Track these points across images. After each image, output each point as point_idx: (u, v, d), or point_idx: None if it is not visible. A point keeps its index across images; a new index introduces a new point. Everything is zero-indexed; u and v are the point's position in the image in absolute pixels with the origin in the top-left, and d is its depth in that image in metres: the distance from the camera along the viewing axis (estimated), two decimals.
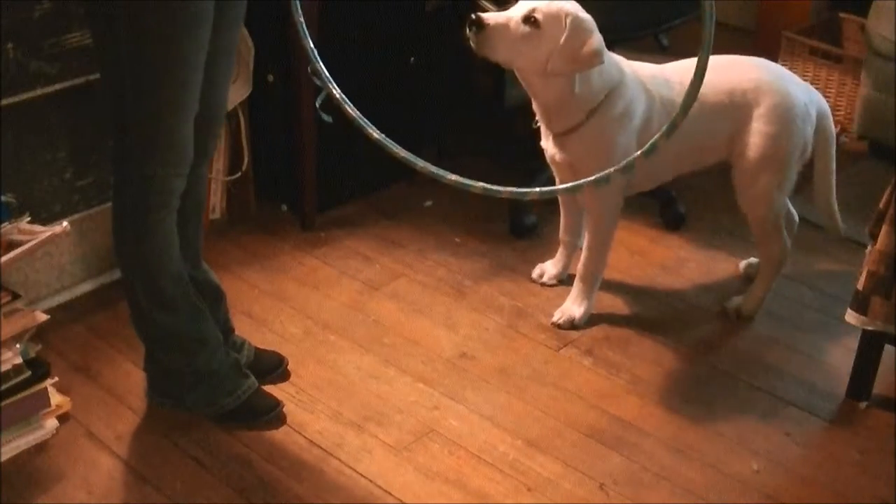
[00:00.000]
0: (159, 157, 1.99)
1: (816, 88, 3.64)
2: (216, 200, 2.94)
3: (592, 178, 1.98)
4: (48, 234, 2.16)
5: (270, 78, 2.87)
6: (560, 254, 2.79)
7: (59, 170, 2.53)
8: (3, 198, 2.28)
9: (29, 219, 2.22)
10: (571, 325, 2.61)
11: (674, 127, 1.84)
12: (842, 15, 3.78)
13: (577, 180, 2.45)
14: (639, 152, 1.92)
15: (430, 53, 3.20)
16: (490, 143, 3.51)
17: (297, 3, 1.96)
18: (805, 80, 3.64)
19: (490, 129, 3.59)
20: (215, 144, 2.23)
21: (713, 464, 2.19)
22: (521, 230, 3.01)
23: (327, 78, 1.99)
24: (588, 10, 2.41)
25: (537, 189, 2.06)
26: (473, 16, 2.30)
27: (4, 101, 2.33)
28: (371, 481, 2.13)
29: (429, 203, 3.16)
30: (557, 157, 2.49)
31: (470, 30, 2.31)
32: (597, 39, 2.32)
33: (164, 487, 2.10)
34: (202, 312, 2.21)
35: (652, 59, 2.60)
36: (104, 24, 1.91)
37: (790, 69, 3.68)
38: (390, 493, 2.10)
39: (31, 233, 2.24)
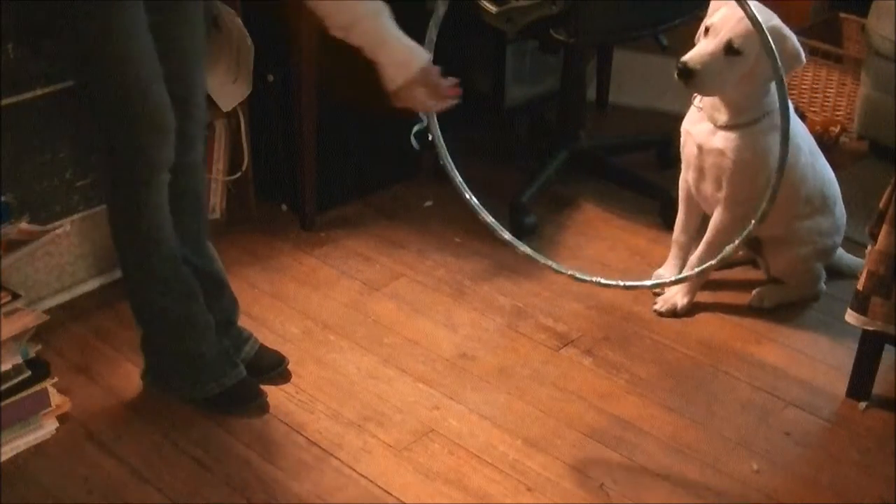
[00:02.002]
0: (137, 126, 1.97)
1: (816, 88, 3.68)
2: (216, 200, 2.94)
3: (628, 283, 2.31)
4: (48, 234, 2.17)
5: (270, 78, 2.87)
6: (673, 255, 2.76)
7: (59, 170, 2.52)
8: (3, 198, 2.28)
9: (29, 219, 2.22)
10: (673, 312, 2.65)
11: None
12: (842, 15, 3.77)
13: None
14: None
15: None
16: (490, 143, 3.51)
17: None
18: (805, 81, 3.67)
19: (490, 129, 3.58)
20: (201, 133, 2.19)
21: (713, 464, 2.19)
22: (521, 230, 3.00)
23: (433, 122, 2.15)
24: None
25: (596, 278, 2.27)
26: (679, 64, 2.34)
27: (4, 101, 2.32)
28: (371, 481, 2.13)
29: (429, 203, 3.15)
30: (708, 145, 2.51)
31: (680, 78, 2.35)
32: (793, 41, 2.41)
33: (164, 487, 2.10)
34: (193, 294, 2.21)
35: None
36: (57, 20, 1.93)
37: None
38: (390, 493, 2.10)
39: (31, 233, 2.25)
